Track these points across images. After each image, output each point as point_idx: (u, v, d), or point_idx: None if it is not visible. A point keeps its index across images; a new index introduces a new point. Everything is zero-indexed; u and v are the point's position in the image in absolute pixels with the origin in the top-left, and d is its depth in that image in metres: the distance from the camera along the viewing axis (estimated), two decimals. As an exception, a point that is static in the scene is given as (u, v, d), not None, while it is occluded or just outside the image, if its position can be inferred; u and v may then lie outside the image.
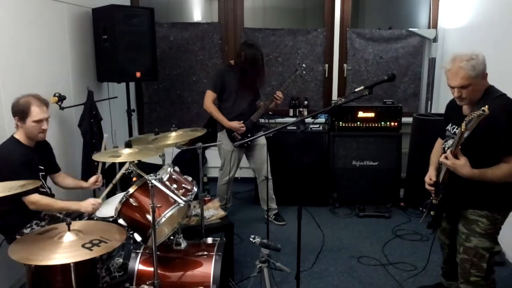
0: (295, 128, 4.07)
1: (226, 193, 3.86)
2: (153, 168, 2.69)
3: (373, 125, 4.28)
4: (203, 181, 3.01)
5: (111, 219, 2.36)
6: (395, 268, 3.16)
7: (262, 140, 3.81)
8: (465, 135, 1.94)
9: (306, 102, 4.92)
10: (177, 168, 2.49)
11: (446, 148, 2.19)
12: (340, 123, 4.30)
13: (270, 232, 3.16)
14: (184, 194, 2.29)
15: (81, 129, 3.58)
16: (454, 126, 2.25)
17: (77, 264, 1.86)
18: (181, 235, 2.43)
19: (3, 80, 2.75)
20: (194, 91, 5.06)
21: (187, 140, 2.74)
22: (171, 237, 2.42)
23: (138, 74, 3.98)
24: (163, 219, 2.12)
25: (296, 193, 3.97)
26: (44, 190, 2.62)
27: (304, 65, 3.84)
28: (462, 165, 2.02)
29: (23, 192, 2.14)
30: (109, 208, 2.56)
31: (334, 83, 4.90)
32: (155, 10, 4.12)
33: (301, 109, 4.90)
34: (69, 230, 1.97)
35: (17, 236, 2.41)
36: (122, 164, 2.79)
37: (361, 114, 4.28)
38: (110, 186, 2.73)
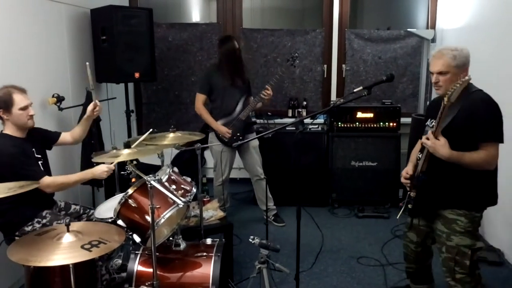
0: (293, 128, 4.07)
1: (222, 194, 3.86)
2: (152, 169, 2.69)
3: (372, 125, 4.29)
4: (202, 182, 3.01)
5: (110, 220, 2.36)
6: (394, 268, 3.17)
7: (253, 141, 3.81)
8: (447, 110, 2.01)
9: (304, 103, 4.92)
10: (176, 169, 2.49)
11: (427, 131, 2.25)
12: (339, 123, 4.30)
13: (269, 232, 3.16)
14: (183, 195, 2.29)
15: (80, 129, 3.57)
16: (433, 120, 2.28)
17: (76, 265, 1.86)
18: (180, 236, 2.42)
19: (1, 81, 2.74)
20: (192, 92, 4.99)
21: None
22: (170, 238, 2.42)
23: (136, 75, 3.97)
24: (162, 220, 2.12)
25: (295, 194, 3.96)
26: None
27: (297, 53, 3.74)
28: (442, 144, 2.08)
29: (33, 180, 2.15)
30: (108, 209, 2.55)
31: (332, 84, 4.90)
32: (154, 10, 4.11)
33: (300, 110, 4.89)
34: (68, 231, 1.96)
35: (18, 234, 2.42)
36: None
37: (359, 114, 4.28)
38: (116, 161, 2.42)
